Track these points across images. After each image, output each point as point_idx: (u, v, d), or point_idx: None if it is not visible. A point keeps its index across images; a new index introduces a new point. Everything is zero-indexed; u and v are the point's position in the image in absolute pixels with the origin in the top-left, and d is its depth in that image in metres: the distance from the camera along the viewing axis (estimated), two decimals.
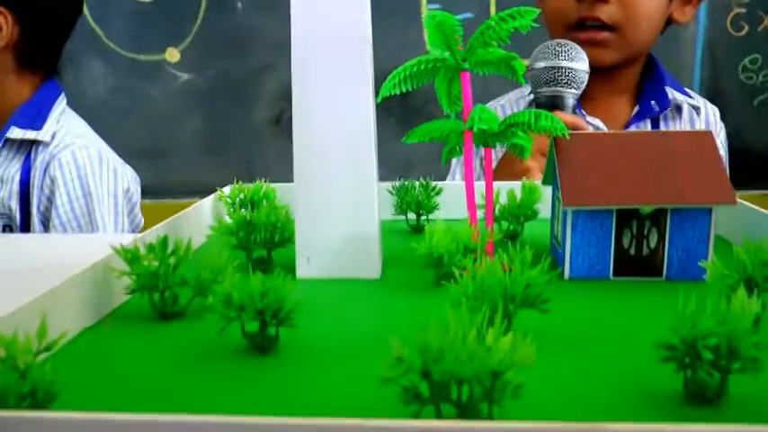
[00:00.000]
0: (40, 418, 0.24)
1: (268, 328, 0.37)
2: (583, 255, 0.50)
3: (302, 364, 0.36)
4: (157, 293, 0.43)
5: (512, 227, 0.61)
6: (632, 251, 0.50)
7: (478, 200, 0.53)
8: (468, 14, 1.74)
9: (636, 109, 1.10)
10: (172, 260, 0.44)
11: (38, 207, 1.07)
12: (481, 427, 0.23)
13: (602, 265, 0.50)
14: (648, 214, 0.49)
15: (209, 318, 0.37)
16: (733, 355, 0.29)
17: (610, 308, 0.45)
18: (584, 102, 1.07)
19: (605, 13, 0.99)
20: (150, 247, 0.43)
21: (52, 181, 1.07)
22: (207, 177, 0.67)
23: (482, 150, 0.64)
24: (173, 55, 1.81)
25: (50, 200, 1.07)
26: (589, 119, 1.07)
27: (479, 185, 0.54)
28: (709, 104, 1.17)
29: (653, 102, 1.09)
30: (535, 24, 0.48)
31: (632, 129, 1.09)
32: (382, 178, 0.60)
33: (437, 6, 1.75)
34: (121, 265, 0.44)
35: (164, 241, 0.43)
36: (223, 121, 1.78)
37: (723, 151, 1.17)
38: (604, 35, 1.00)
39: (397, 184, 0.67)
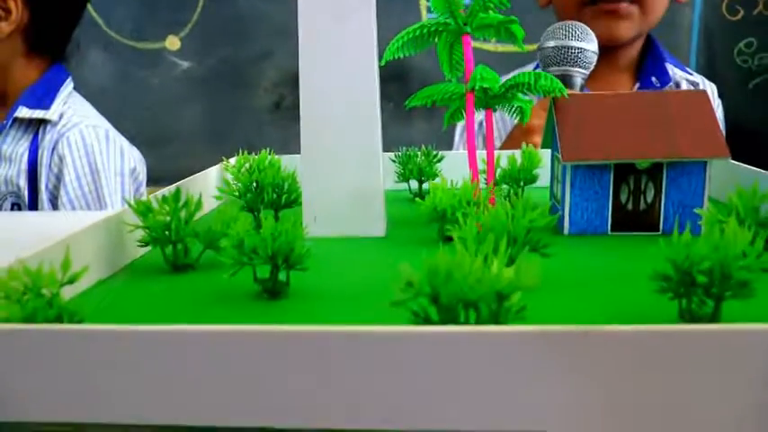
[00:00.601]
0: (71, 330, 0.26)
1: (279, 273, 0.39)
2: (581, 210, 0.51)
3: (312, 307, 0.38)
4: (170, 246, 0.45)
5: (512, 190, 0.62)
6: (630, 206, 0.51)
7: (480, 165, 0.54)
8: None
9: (637, 85, 1.11)
10: (183, 213, 0.45)
11: (46, 185, 1.09)
12: (470, 331, 0.25)
13: (600, 220, 0.51)
14: (645, 169, 0.50)
15: (223, 261, 0.39)
16: (726, 279, 0.31)
17: (608, 257, 0.46)
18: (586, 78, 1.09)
19: None
20: (163, 200, 0.45)
21: (60, 159, 1.08)
22: (208, 164, 0.68)
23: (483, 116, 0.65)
24: (173, 43, 1.81)
25: (59, 178, 1.08)
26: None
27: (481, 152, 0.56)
28: (707, 81, 1.19)
29: (653, 78, 1.10)
30: None
31: None
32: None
33: None
34: (135, 220, 0.45)
35: (176, 194, 0.45)
36: (224, 108, 1.79)
37: (722, 127, 1.18)
38: (628, 7, 1.02)
39: (400, 153, 0.69)
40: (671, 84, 1.11)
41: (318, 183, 0.52)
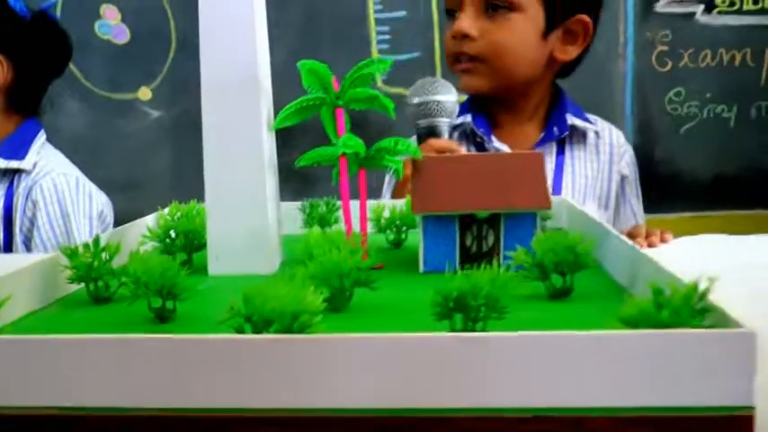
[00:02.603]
0: None
1: (167, 303, 0.50)
2: (434, 253, 0.63)
3: (191, 329, 0.49)
4: (92, 283, 0.56)
5: (394, 236, 0.74)
6: (474, 249, 0.63)
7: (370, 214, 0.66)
8: (416, 53, 1.90)
9: (542, 134, 1.24)
10: (104, 256, 0.57)
11: (20, 228, 1.21)
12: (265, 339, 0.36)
13: (449, 260, 0.63)
14: (485, 218, 0.62)
15: (123, 294, 0.50)
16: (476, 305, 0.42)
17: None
18: (494, 129, 1.22)
19: (472, 47, 1.15)
20: (86, 246, 0.56)
21: (34, 204, 1.21)
22: None
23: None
24: (145, 93, 1.94)
25: (32, 222, 1.20)
26: (497, 144, 1.21)
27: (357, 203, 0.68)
28: (614, 129, 1.31)
29: (555, 128, 1.22)
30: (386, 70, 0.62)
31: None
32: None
33: (386, 47, 1.90)
34: (65, 261, 0.57)
35: (96, 240, 0.56)
36: (191, 154, 1.91)
37: (629, 170, 1.30)
38: (471, 65, 1.16)
39: (305, 202, 0.80)
40: (574, 133, 1.23)
41: (219, 226, 0.63)
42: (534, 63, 1.20)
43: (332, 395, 0.35)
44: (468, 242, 0.63)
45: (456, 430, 0.35)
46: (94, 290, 0.56)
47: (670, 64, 1.89)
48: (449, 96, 1.02)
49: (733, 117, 1.91)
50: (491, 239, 0.63)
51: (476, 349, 0.35)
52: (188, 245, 0.66)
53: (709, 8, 1.88)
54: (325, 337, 0.36)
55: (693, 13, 1.87)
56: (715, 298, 0.38)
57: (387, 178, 1.29)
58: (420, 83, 1.03)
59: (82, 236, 1.22)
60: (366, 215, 0.66)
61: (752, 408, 0.35)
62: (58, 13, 1.87)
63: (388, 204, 0.77)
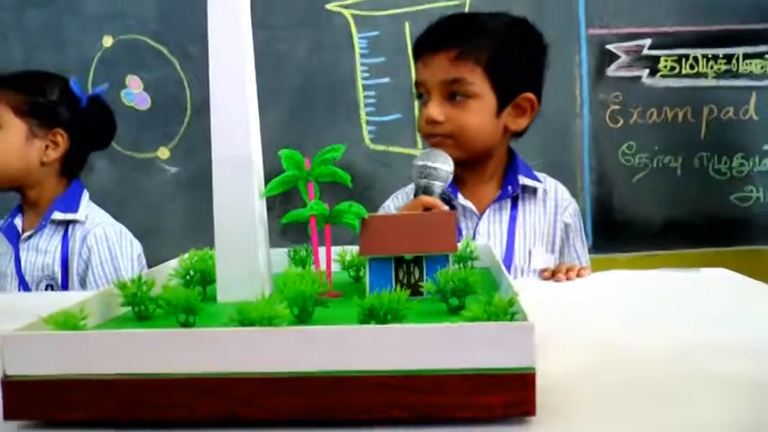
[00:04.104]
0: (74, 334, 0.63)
1: (188, 318, 0.75)
2: (377, 285, 0.87)
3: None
4: (137, 306, 0.82)
5: (354, 273, 0.99)
6: (404, 281, 0.88)
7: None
8: (398, 115, 2.18)
9: (499, 192, 1.50)
10: (144, 288, 0.82)
11: (77, 270, 1.49)
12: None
13: (387, 289, 0.88)
14: (412, 259, 0.87)
15: (158, 314, 0.75)
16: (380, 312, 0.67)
17: None
18: (461, 187, 1.48)
19: (441, 129, 1.42)
20: (132, 281, 0.82)
21: (89, 249, 1.50)
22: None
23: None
24: (164, 153, 2.23)
25: (87, 263, 1.49)
26: (462, 201, 1.47)
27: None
28: (559, 185, 1.57)
29: (509, 187, 1.49)
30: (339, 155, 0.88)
31: (494, 206, 1.49)
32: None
33: (372, 109, 2.19)
34: (118, 292, 0.82)
35: (139, 277, 0.82)
36: (206, 205, 2.19)
37: (572, 219, 1.55)
38: (443, 140, 1.43)
39: (291, 249, 1.06)
40: (524, 191, 1.49)
41: (225, 267, 0.88)
42: (491, 136, 1.47)
43: (285, 362, 0.61)
44: (401, 276, 0.88)
45: (351, 383, 0.60)
46: (138, 311, 0.82)
47: (622, 121, 2.17)
48: (445, 165, 1.29)
49: (679, 167, 2.18)
50: (417, 274, 0.88)
51: (362, 333, 0.61)
52: (203, 280, 0.92)
53: (653, 72, 2.16)
54: (285, 329, 0.61)
55: (640, 77, 2.15)
56: (569, 317, 0.63)
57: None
58: (428, 150, 1.32)
59: (127, 273, 1.50)
60: (330, 258, 0.91)
61: (533, 368, 0.59)
62: (89, 84, 2.17)
63: (350, 250, 1.03)
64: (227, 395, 0.61)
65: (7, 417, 0.62)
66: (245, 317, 0.64)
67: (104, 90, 1.66)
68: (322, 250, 0.91)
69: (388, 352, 0.60)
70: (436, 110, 1.42)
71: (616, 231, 2.03)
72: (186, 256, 1.07)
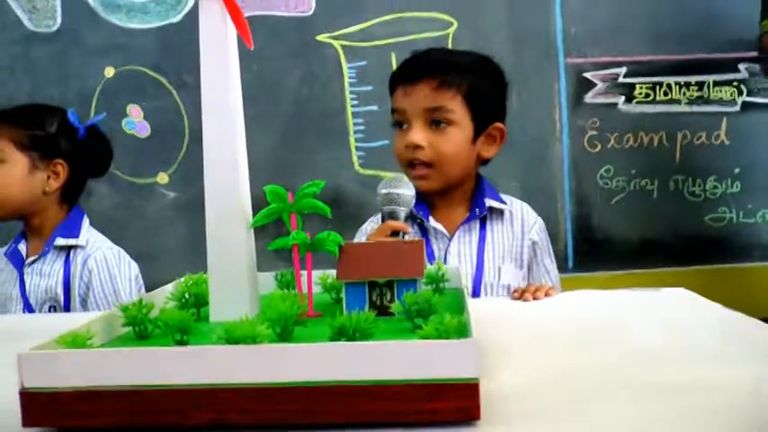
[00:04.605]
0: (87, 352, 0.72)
1: (183, 337, 0.85)
2: (353, 306, 0.97)
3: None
4: (137, 326, 0.91)
5: (335, 296, 1.09)
6: (378, 302, 0.98)
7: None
8: (385, 141, 2.28)
9: (468, 215, 1.60)
10: (144, 310, 0.92)
11: (78, 292, 1.58)
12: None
13: (362, 309, 0.97)
14: (384, 283, 0.97)
15: (156, 333, 0.85)
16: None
17: None
18: (432, 211, 1.58)
19: (423, 155, 1.52)
20: (133, 304, 0.92)
21: (90, 272, 1.60)
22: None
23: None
24: (163, 178, 2.34)
25: (88, 286, 1.59)
26: (434, 224, 1.57)
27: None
28: (524, 205, 1.68)
29: (477, 210, 1.59)
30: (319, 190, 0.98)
31: (463, 227, 1.59)
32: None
33: (361, 135, 2.30)
34: (120, 314, 0.92)
35: (139, 300, 0.92)
36: (203, 229, 2.30)
37: (539, 236, 1.65)
38: (424, 171, 1.52)
39: (277, 273, 1.16)
40: (490, 213, 1.59)
41: (217, 290, 0.98)
42: (467, 161, 1.58)
43: (266, 375, 0.70)
44: (374, 298, 0.97)
45: (323, 393, 0.70)
46: (139, 331, 0.91)
47: (600, 146, 2.28)
48: (407, 191, 1.39)
49: (655, 189, 2.28)
50: (388, 296, 0.97)
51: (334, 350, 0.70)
52: (197, 302, 1.02)
53: (629, 99, 2.27)
54: (265, 346, 0.71)
55: (616, 104, 2.26)
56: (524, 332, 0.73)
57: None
58: (388, 179, 1.40)
59: (125, 293, 1.60)
60: (311, 282, 1.01)
61: (477, 379, 0.69)
62: (92, 113, 2.28)
63: (332, 273, 1.13)
64: (217, 404, 0.71)
65: (25, 424, 0.72)
66: (231, 335, 0.74)
67: (101, 119, 1.76)
68: (304, 274, 1.01)
69: (354, 365, 0.70)
70: (418, 135, 1.52)
71: (595, 251, 2.13)
72: (182, 279, 1.17)
